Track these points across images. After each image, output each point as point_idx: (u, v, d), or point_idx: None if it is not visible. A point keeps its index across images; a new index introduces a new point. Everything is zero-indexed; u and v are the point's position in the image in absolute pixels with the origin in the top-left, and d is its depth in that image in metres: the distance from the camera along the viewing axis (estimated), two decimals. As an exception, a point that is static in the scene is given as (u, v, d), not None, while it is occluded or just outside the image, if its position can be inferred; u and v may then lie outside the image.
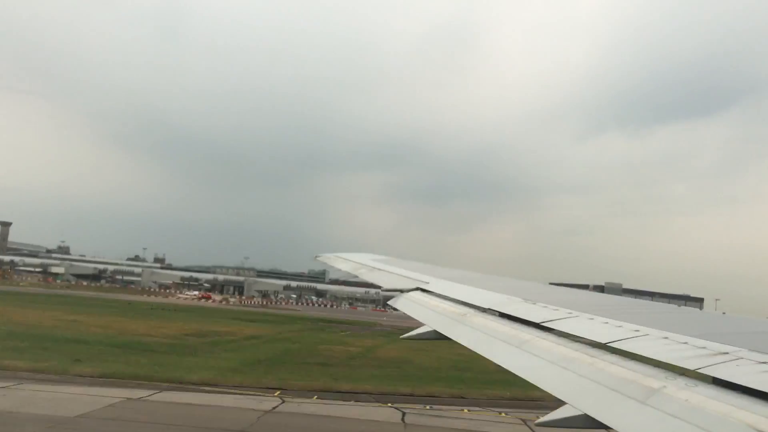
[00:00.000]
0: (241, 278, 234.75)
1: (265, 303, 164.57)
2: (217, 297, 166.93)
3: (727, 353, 5.12)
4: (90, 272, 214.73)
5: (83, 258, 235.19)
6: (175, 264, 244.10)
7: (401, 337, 8.97)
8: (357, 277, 14.57)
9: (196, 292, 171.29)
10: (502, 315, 8.06)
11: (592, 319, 7.30)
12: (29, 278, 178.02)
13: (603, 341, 6.10)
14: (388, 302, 10.84)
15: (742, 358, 4.93)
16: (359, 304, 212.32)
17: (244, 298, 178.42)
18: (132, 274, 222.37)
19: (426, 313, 9.19)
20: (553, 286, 11.18)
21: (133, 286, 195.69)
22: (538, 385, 5.34)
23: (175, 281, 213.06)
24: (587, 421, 4.43)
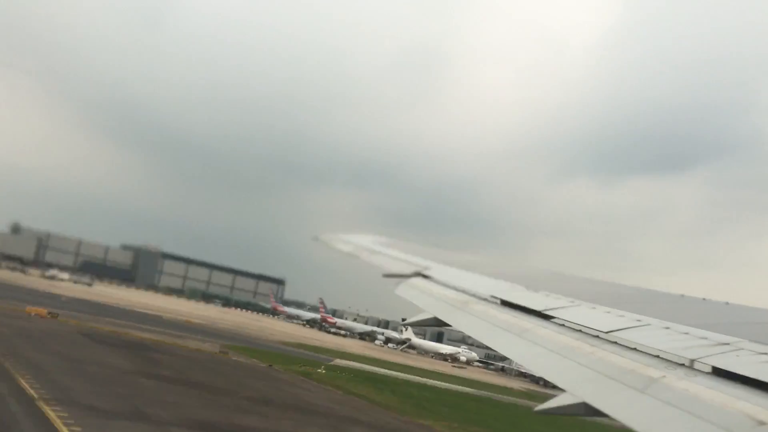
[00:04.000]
0: None
1: None
2: None
3: (728, 344, 5.11)
4: None
5: None
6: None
7: (405, 322, 9.00)
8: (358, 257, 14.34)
9: None
10: (504, 303, 8.07)
11: (594, 308, 7.30)
12: None
13: (604, 330, 6.10)
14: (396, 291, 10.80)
15: (742, 348, 4.93)
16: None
17: None
18: None
19: (427, 300, 9.20)
20: (556, 273, 11.14)
21: None
22: (538, 373, 5.36)
23: None
24: (586, 408, 4.45)
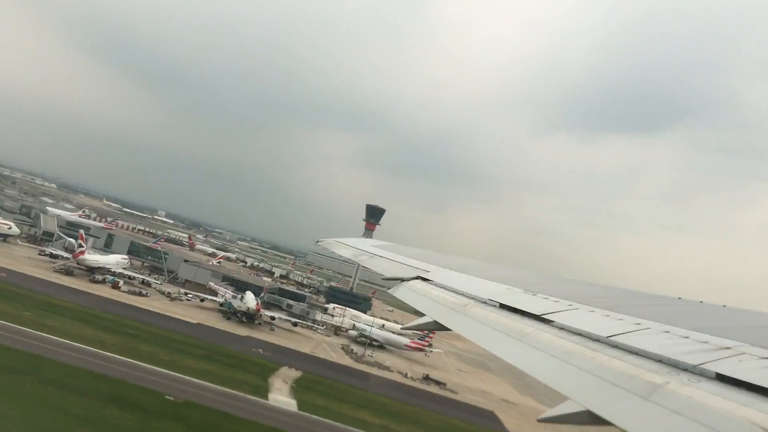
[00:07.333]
0: None
1: None
2: None
3: (730, 348, 5.10)
4: None
5: None
6: None
7: (402, 327, 8.97)
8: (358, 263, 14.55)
9: None
10: (503, 306, 8.04)
11: (592, 311, 7.28)
12: None
13: (604, 335, 6.08)
14: (389, 290, 10.78)
15: (744, 353, 4.92)
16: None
17: None
18: None
19: (426, 303, 9.15)
20: (553, 276, 11.15)
21: None
22: (540, 380, 5.32)
23: None
24: (589, 417, 4.41)
